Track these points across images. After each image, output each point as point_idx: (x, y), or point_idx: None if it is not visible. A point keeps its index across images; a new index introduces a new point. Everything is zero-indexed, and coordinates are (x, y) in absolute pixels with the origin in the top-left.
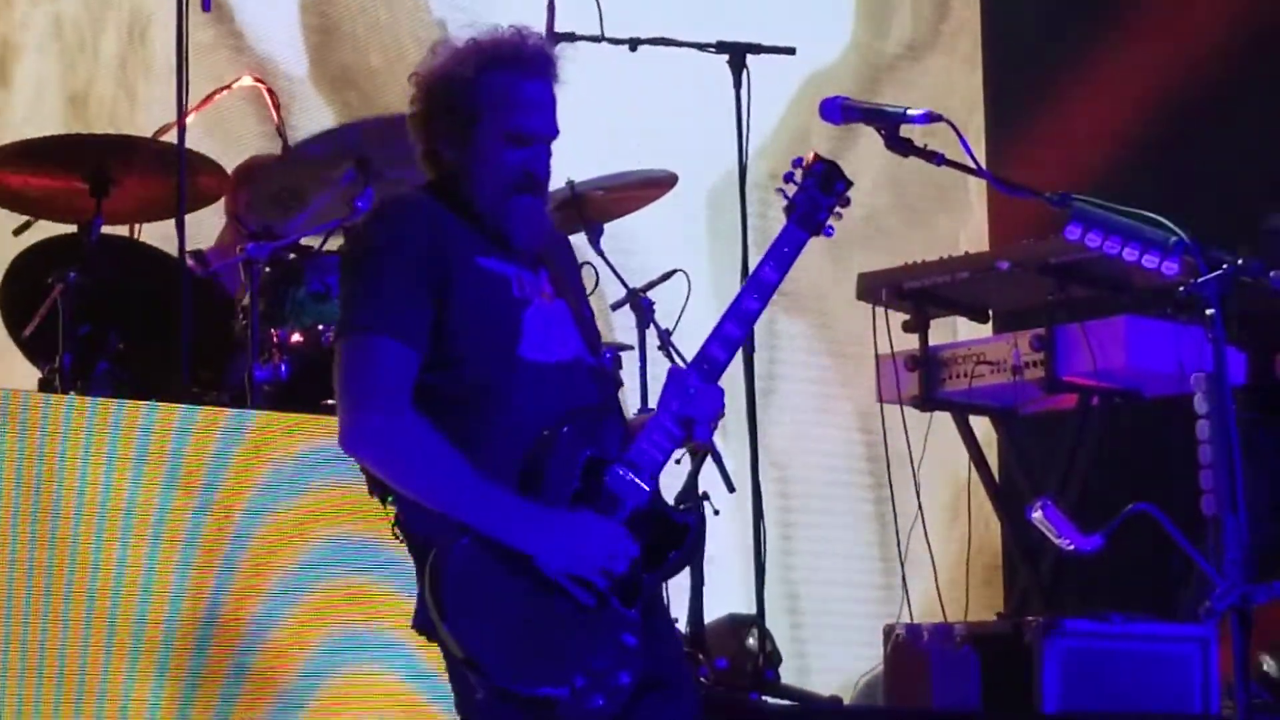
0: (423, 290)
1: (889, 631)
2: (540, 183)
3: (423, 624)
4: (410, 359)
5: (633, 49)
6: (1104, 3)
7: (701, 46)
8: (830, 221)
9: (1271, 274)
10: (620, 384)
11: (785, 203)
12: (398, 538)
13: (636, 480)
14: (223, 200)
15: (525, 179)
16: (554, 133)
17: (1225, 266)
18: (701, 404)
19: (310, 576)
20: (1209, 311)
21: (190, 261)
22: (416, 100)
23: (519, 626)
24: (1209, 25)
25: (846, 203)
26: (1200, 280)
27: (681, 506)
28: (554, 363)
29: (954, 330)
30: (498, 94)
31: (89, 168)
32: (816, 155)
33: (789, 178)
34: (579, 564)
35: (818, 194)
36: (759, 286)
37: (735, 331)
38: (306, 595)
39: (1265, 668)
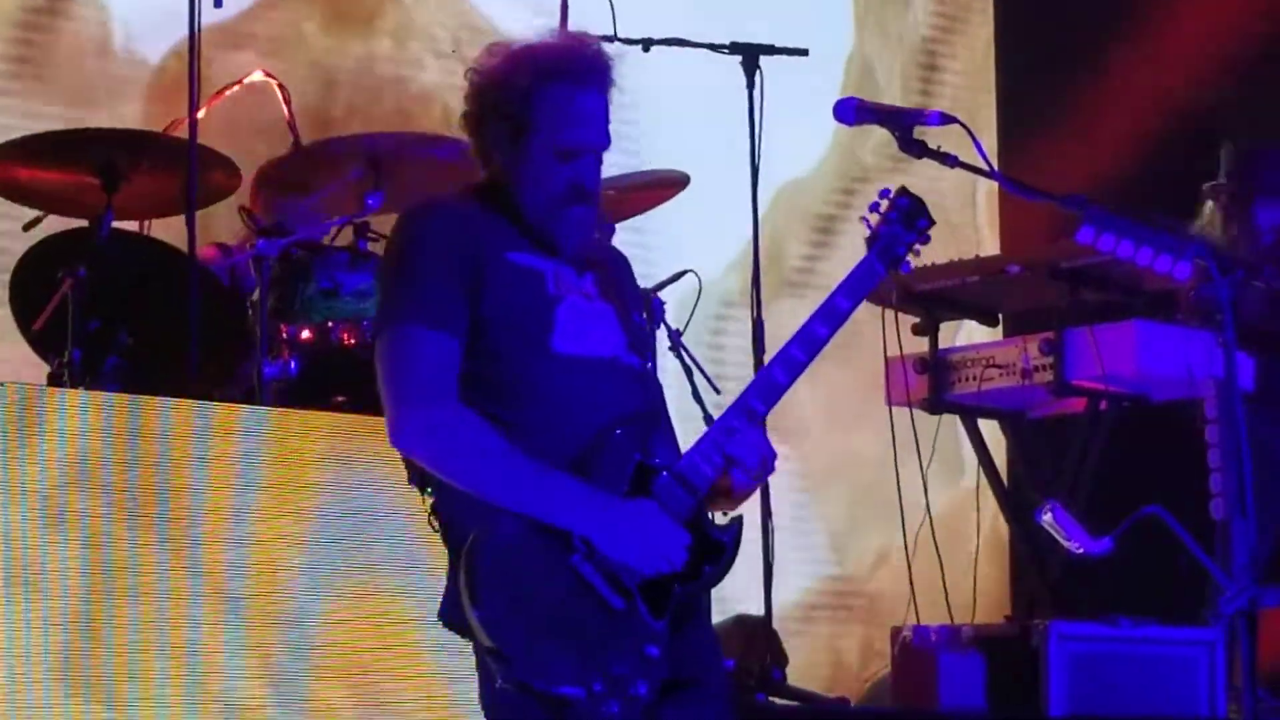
0: (456, 284)
1: (896, 633)
2: (590, 193)
3: (449, 614)
4: (451, 348)
5: (646, 49)
6: (1118, 7)
7: (715, 47)
8: (909, 257)
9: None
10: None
11: (867, 233)
12: (434, 528)
13: (683, 493)
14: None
15: (574, 191)
16: (605, 144)
17: (1237, 271)
18: (744, 445)
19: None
20: (1220, 316)
21: (215, 251)
22: (471, 99)
23: (546, 622)
24: (1224, 29)
25: (927, 240)
26: (1212, 285)
27: (721, 523)
28: (589, 357)
29: (967, 334)
30: (551, 107)
31: (100, 162)
32: (903, 189)
33: (874, 208)
34: (632, 550)
35: (900, 229)
36: (830, 314)
37: (800, 356)
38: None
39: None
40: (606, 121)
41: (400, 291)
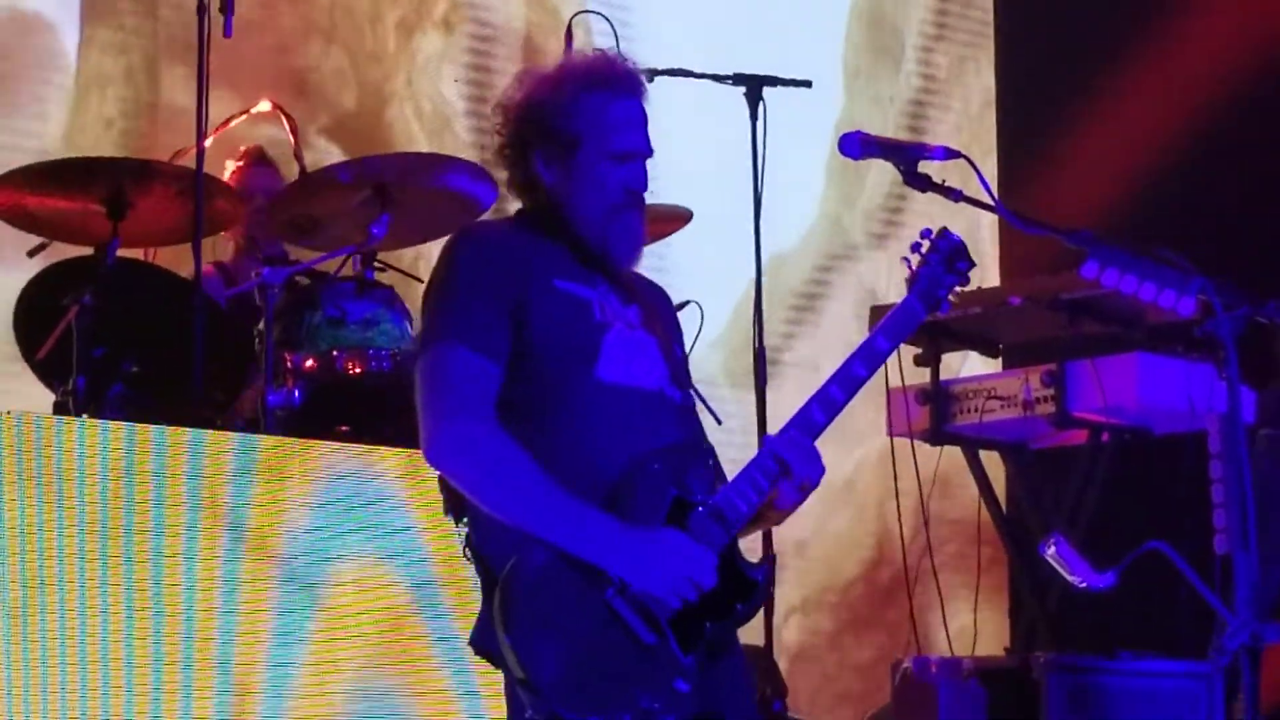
0: (499, 309)
1: (896, 665)
2: (641, 198)
3: (482, 642)
4: (490, 371)
5: (649, 79)
6: (1117, 38)
7: (718, 78)
8: (949, 299)
9: None
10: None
11: (908, 274)
12: (468, 559)
13: (717, 529)
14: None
15: (628, 195)
16: (650, 150)
17: (1242, 307)
18: (802, 458)
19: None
20: (1223, 351)
21: (213, 269)
22: (507, 129)
23: (579, 654)
24: (1226, 58)
25: (967, 282)
26: (1216, 320)
27: (754, 561)
28: (634, 387)
29: (969, 365)
30: (596, 115)
31: (106, 190)
32: (944, 231)
33: (915, 248)
34: (656, 580)
35: (941, 271)
36: (870, 355)
37: (839, 396)
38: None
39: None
40: (647, 127)
41: (443, 314)
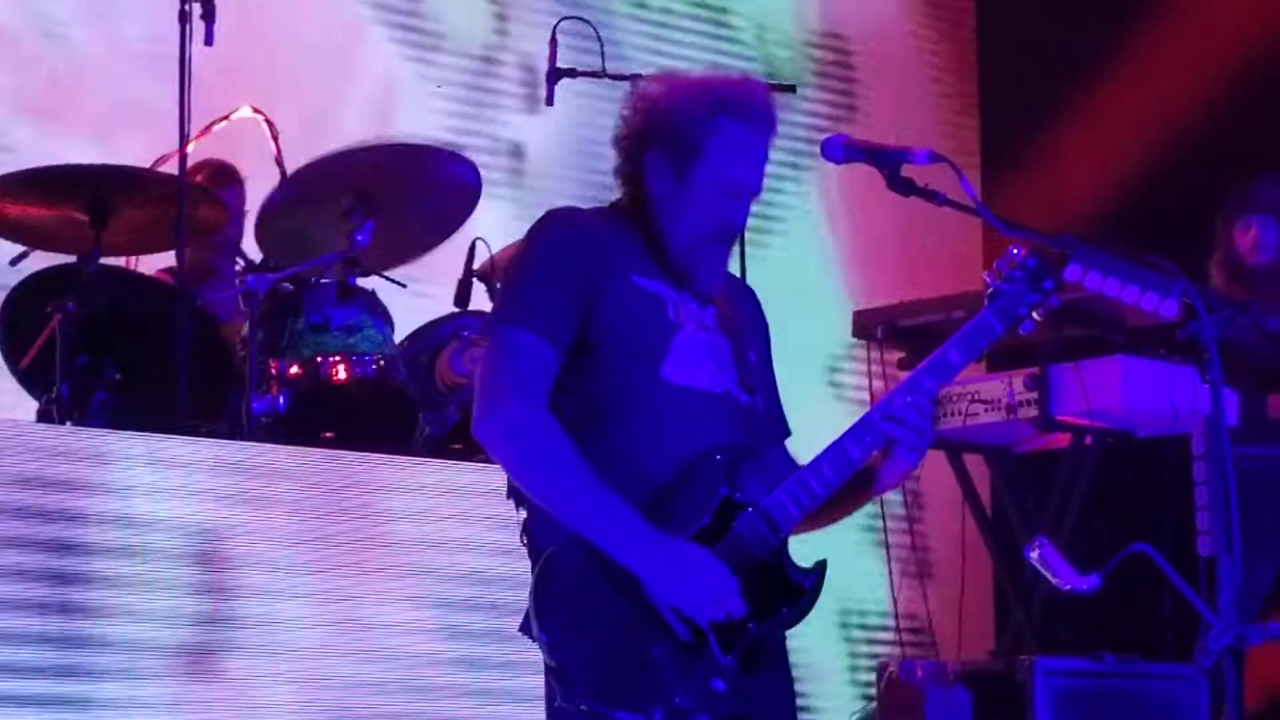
0: (570, 297)
1: (883, 668)
2: (736, 235)
3: (525, 627)
4: (550, 357)
5: (633, 85)
6: (1099, 44)
7: None
8: (1034, 315)
9: (1269, 318)
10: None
11: (990, 289)
12: (523, 544)
13: (766, 531)
14: None
15: (725, 230)
16: (760, 190)
17: (1222, 310)
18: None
19: None
20: (1206, 354)
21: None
22: (636, 118)
23: (612, 646)
24: (1207, 64)
25: (1053, 303)
26: (1198, 323)
27: (804, 566)
28: (699, 389)
29: None
30: (726, 142)
31: (88, 198)
32: (1032, 250)
33: (1001, 265)
34: (679, 596)
35: (1024, 288)
36: (941, 368)
37: (901, 405)
38: None
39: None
40: (765, 166)
41: (513, 295)
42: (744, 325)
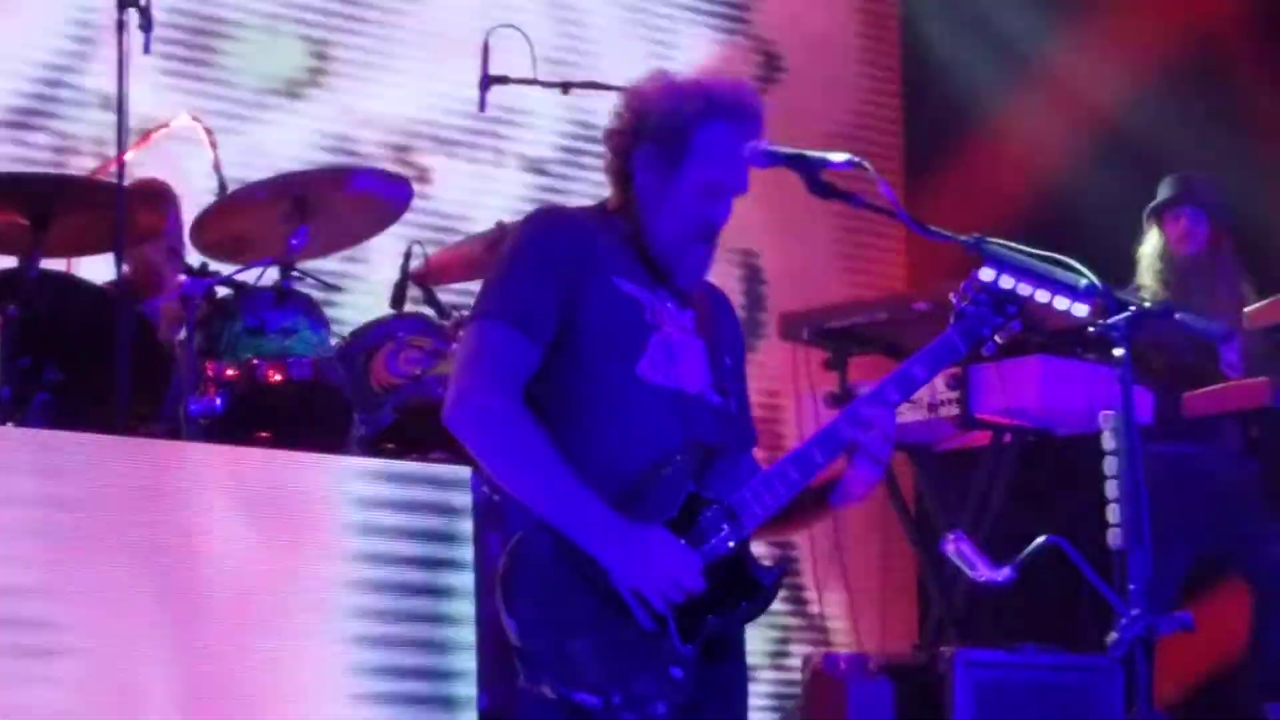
0: (551, 294)
1: (806, 660)
2: (717, 234)
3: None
4: (528, 351)
5: (564, 92)
6: (1019, 54)
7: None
8: (996, 338)
9: (1178, 315)
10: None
11: (956, 310)
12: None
13: (730, 527)
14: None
15: (707, 228)
16: (745, 189)
17: (1133, 308)
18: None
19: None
20: (1117, 352)
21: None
22: (625, 116)
23: (575, 630)
24: (1123, 69)
25: (1016, 327)
26: (1109, 322)
27: (765, 564)
28: (674, 389)
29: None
30: (713, 142)
31: (30, 204)
32: (998, 276)
33: (966, 288)
34: (640, 578)
35: (988, 311)
36: (905, 382)
37: (868, 417)
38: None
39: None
40: (749, 169)
41: (497, 289)
42: (720, 331)
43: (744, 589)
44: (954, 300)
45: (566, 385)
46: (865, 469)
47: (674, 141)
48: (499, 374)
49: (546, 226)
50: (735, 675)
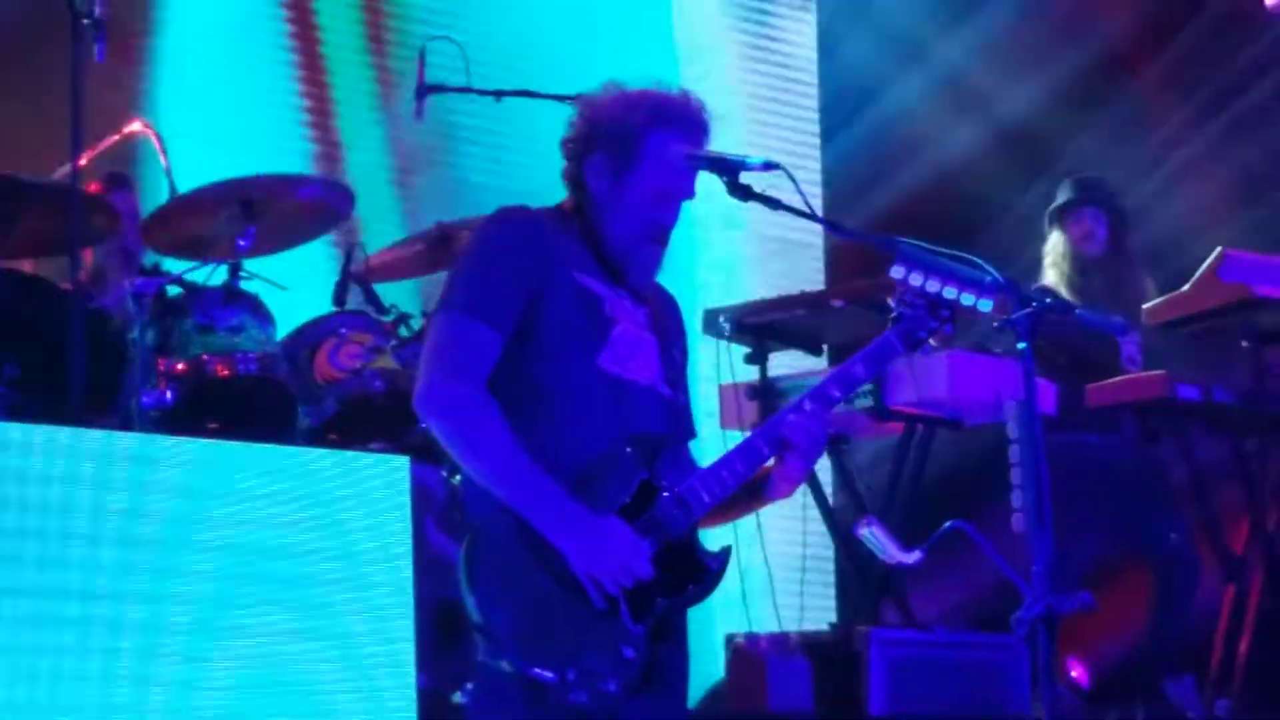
0: (515, 290)
1: (730, 640)
2: (668, 235)
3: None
4: (492, 343)
5: (497, 99)
6: (932, 64)
7: (562, 98)
8: (931, 340)
9: (1078, 311)
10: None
11: (894, 314)
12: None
13: (680, 513)
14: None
15: (659, 231)
16: (693, 194)
17: (1034, 304)
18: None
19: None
20: (1020, 345)
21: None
22: (579, 125)
23: (533, 610)
24: (1024, 83)
25: (949, 330)
26: (1012, 317)
27: (712, 550)
28: (629, 380)
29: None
30: (661, 151)
31: None
32: (907, 273)
33: (904, 293)
34: (595, 565)
35: (925, 315)
36: (846, 380)
37: (813, 411)
38: None
39: (1072, 673)
40: (697, 175)
41: (463, 282)
42: (670, 329)
43: (691, 573)
44: (892, 304)
45: (531, 374)
46: (794, 467)
47: (624, 149)
48: (464, 364)
49: (509, 224)
50: (679, 658)
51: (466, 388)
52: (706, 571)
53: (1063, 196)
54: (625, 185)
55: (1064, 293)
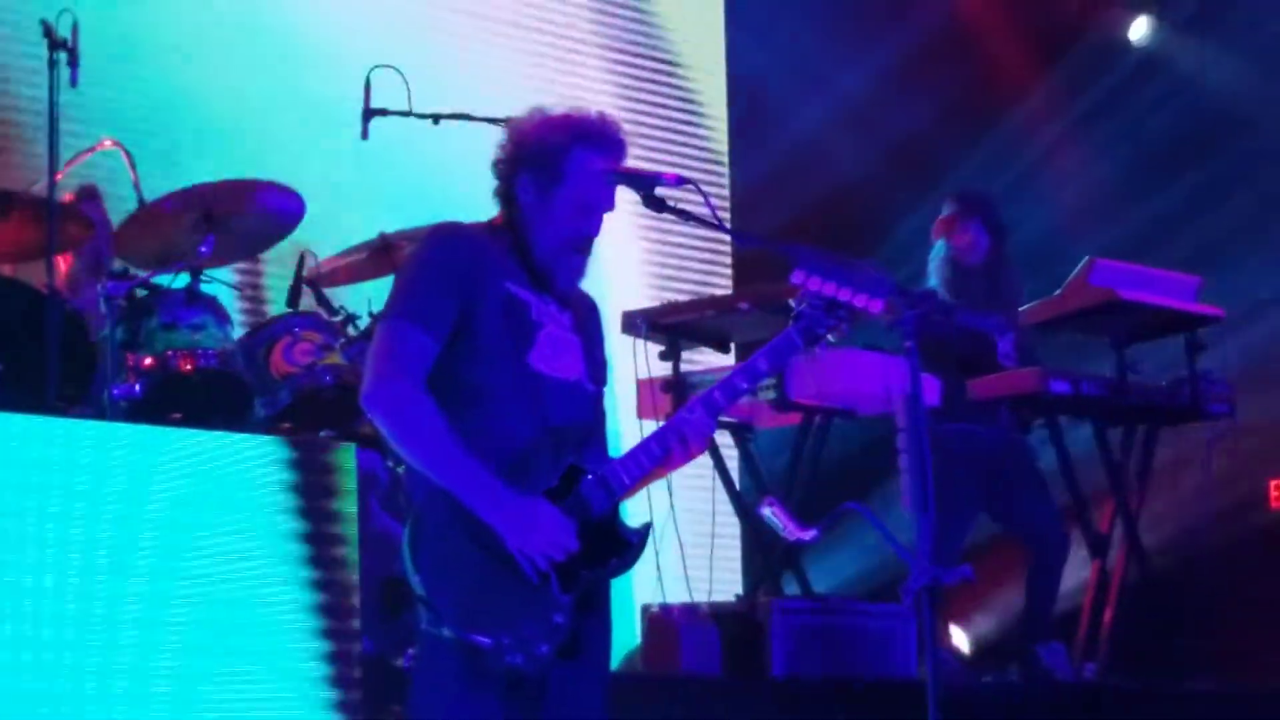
0: (450, 299)
1: (646, 610)
2: (591, 243)
3: (401, 564)
4: (429, 347)
5: (435, 122)
6: (835, 83)
7: (495, 121)
8: (829, 337)
9: (958, 313)
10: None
11: (794, 312)
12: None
13: (602, 493)
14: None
15: (584, 241)
16: (613, 207)
17: (920, 306)
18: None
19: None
20: (907, 343)
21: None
22: (507, 148)
23: (471, 583)
24: (909, 94)
25: (845, 329)
26: (900, 318)
27: (633, 526)
28: (556, 377)
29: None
30: (583, 168)
31: None
32: (807, 276)
33: (804, 295)
34: (526, 542)
35: (822, 314)
36: (750, 373)
37: (722, 402)
38: None
39: (954, 639)
40: (615, 187)
41: (404, 293)
42: (592, 331)
43: (614, 547)
44: (793, 304)
45: (467, 374)
46: (694, 445)
47: (549, 167)
48: (404, 365)
49: (446, 240)
50: (603, 625)
51: (406, 385)
52: (628, 545)
53: (948, 209)
54: (551, 200)
55: (948, 296)
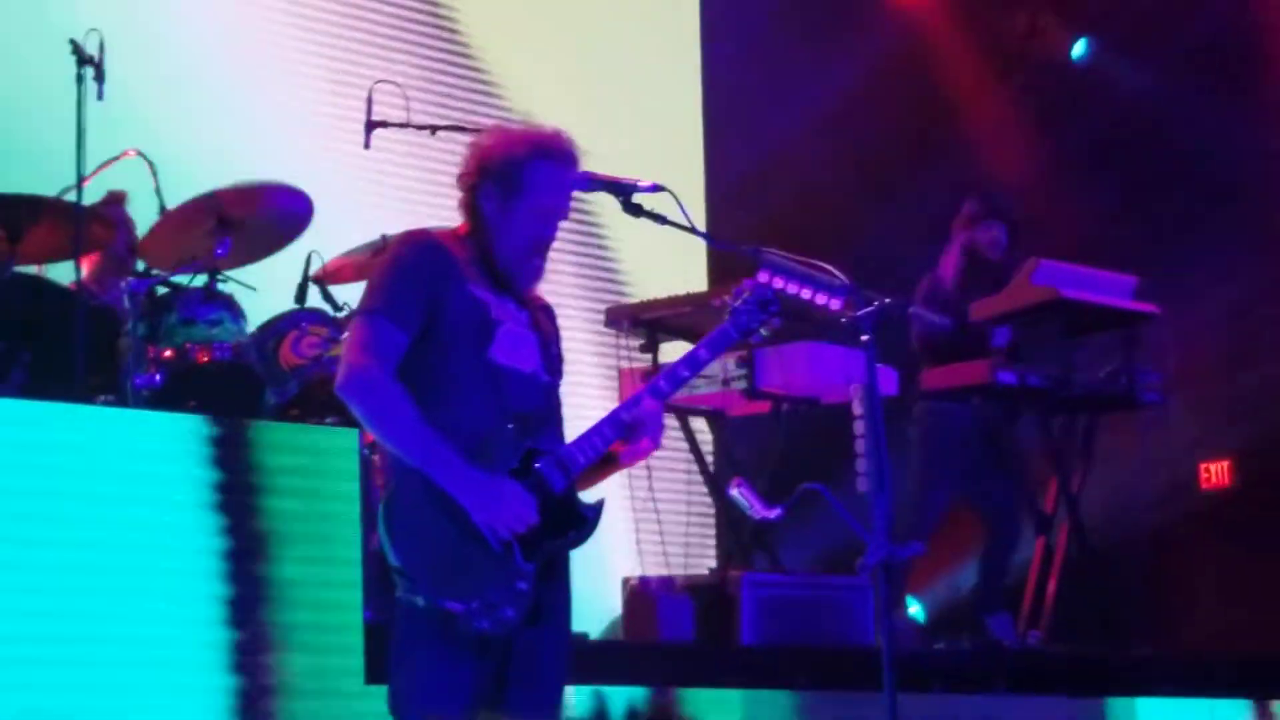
0: (418, 295)
1: (626, 582)
2: (548, 246)
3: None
4: (400, 339)
5: (432, 134)
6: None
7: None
8: (762, 330)
9: (910, 310)
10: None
11: (730, 308)
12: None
13: (559, 472)
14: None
15: (542, 244)
16: (568, 215)
17: (875, 304)
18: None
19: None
20: (864, 338)
21: (75, 288)
22: (472, 162)
23: (442, 553)
24: (880, 106)
25: (777, 322)
26: (858, 314)
27: (589, 502)
28: (514, 369)
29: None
30: (541, 178)
31: (5, 220)
32: (761, 282)
33: (737, 293)
34: (491, 515)
35: (756, 310)
36: (693, 362)
37: (666, 388)
38: None
39: (912, 610)
40: (571, 195)
41: (377, 291)
42: (546, 329)
43: (572, 521)
44: (729, 301)
45: (434, 366)
46: (643, 441)
47: (509, 178)
48: (376, 355)
49: (416, 244)
50: (563, 592)
51: (379, 373)
52: (584, 520)
53: (973, 208)
54: (511, 208)
55: (959, 283)
